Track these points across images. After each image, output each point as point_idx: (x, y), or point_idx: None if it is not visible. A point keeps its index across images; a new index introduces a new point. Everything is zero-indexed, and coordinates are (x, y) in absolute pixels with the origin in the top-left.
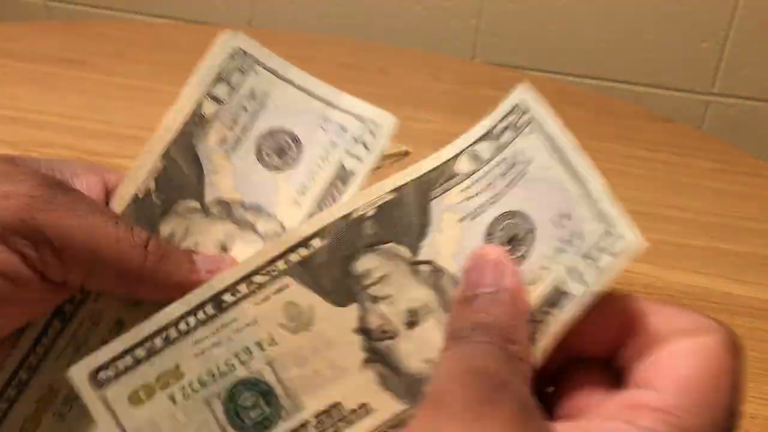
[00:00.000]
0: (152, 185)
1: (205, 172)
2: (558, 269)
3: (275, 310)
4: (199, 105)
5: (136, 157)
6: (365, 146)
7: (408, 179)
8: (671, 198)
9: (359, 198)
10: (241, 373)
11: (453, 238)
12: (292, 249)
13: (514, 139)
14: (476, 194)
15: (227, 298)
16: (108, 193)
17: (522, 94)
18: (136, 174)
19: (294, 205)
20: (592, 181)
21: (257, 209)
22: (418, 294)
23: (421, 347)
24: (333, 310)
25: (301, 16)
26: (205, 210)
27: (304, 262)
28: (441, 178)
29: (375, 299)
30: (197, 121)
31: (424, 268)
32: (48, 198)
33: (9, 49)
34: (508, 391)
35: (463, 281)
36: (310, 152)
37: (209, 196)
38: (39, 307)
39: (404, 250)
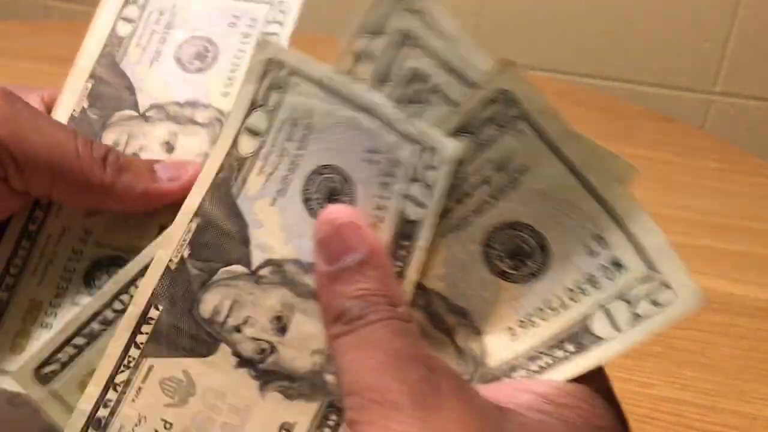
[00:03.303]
0: (85, 103)
1: (133, 81)
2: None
3: (154, 396)
4: (114, 28)
5: (66, 81)
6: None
7: (203, 194)
8: (673, 198)
9: (167, 244)
10: None
11: (275, 224)
12: (135, 331)
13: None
14: (274, 168)
15: (102, 413)
16: (47, 110)
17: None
18: (68, 98)
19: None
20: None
21: (192, 104)
22: (273, 300)
23: (302, 345)
24: (206, 362)
25: (299, 16)
26: (143, 117)
27: (153, 337)
28: (232, 172)
29: (237, 329)
30: (116, 42)
31: (264, 272)
32: (11, 115)
33: (9, 48)
34: (435, 371)
35: (321, 255)
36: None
37: (143, 104)
38: (1, 207)
39: (238, 268)
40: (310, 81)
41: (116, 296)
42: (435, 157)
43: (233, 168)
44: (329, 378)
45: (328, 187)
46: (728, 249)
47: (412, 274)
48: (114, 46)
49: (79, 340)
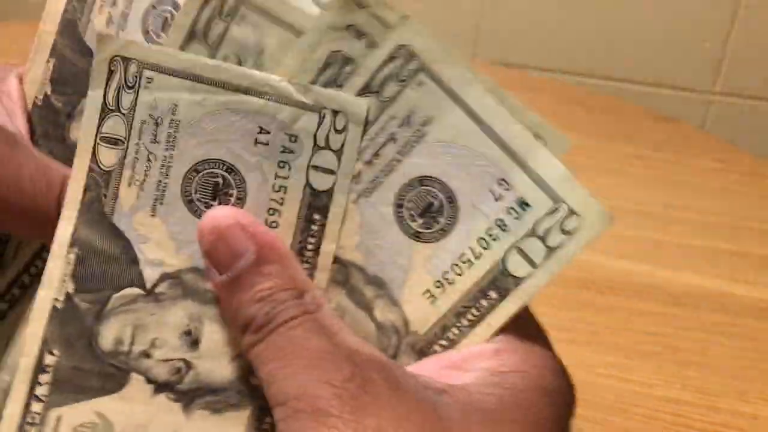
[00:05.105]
0: (48, 88)
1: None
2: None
3: None
4: None
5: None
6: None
7: (73, 220)
8: (673, 197)
9: (47, 284)
10: None
11: (162, 235)
12: (34, 383)
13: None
14: (145, 176)
15: None
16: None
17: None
18: (31, 79)
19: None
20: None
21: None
22: (178, 315)
23: (219, 353)
24: (119, 397)
25: None
26: None
27: (54, 386)
28: (99, 189)
29: (145, 354)
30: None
31: (161, 288)
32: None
33: (9, 49)
34: (360, 365)
35: (212, 266)
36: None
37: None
38: None
39: (132, 291)
40: (168, 73)
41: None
42: (339, 120)
43: (99, 185)
44: (255, 381)
45: (210, 183)
46: (728, 249)
47: (329, 246)
48: (76, 12)
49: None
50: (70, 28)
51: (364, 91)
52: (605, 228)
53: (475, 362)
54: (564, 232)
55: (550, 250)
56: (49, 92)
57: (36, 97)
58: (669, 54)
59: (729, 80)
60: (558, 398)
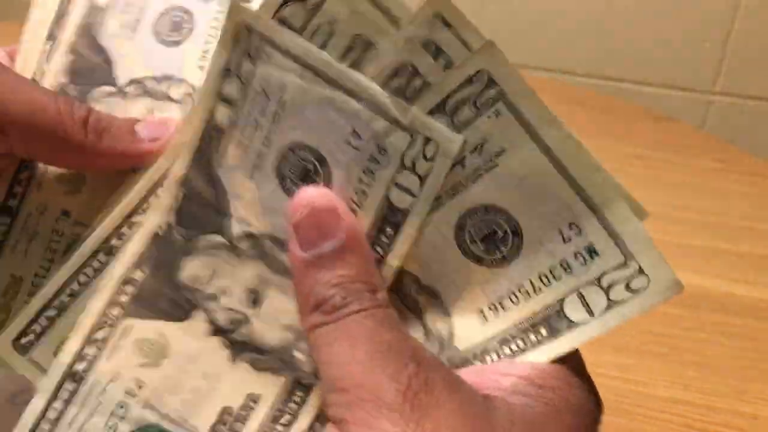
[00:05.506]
0: (64, 78)
1: (110, 54)
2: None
3: (128, 355)
4: None
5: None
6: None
7: (188, 163)
8: (672, 197)
9: (157, 209)
10: (124, 428)
11: (253, 197)
12: (119, 291)
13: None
14: (250, 141)
15: (79, 367)
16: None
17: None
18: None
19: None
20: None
21: (168, 78)
22: (250, 273)
23: (274, 319)
24: (180, 326)
25: None
26: (121, 92)
27: (134, 298)
28: (212, 141)
29: (213, 297)
30: (95, 12)
31: (243, 245)
32: None
33: None
34: (423, 364)
35: (297, 239)
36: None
37: (121, 79)
38: None
39: (218, 238)
40: (284, 53)
41: (81, 269)
42: (430, 148)
43: (212, 137)
44: (298, 355)
45: (301, 167)
46: (728, 249)
47: (393, 261)
48: (94, 17)
49: (51, 312)
50: (88, 30)
51: (437, 110)
52: (673, 295)
53: (512, 369)
54: (629, 289)
55: (612, 303)
56: (65, 81)
57: (51, 87)
58: (669, 54)
59: (729, 80)
60: (588, 413)
